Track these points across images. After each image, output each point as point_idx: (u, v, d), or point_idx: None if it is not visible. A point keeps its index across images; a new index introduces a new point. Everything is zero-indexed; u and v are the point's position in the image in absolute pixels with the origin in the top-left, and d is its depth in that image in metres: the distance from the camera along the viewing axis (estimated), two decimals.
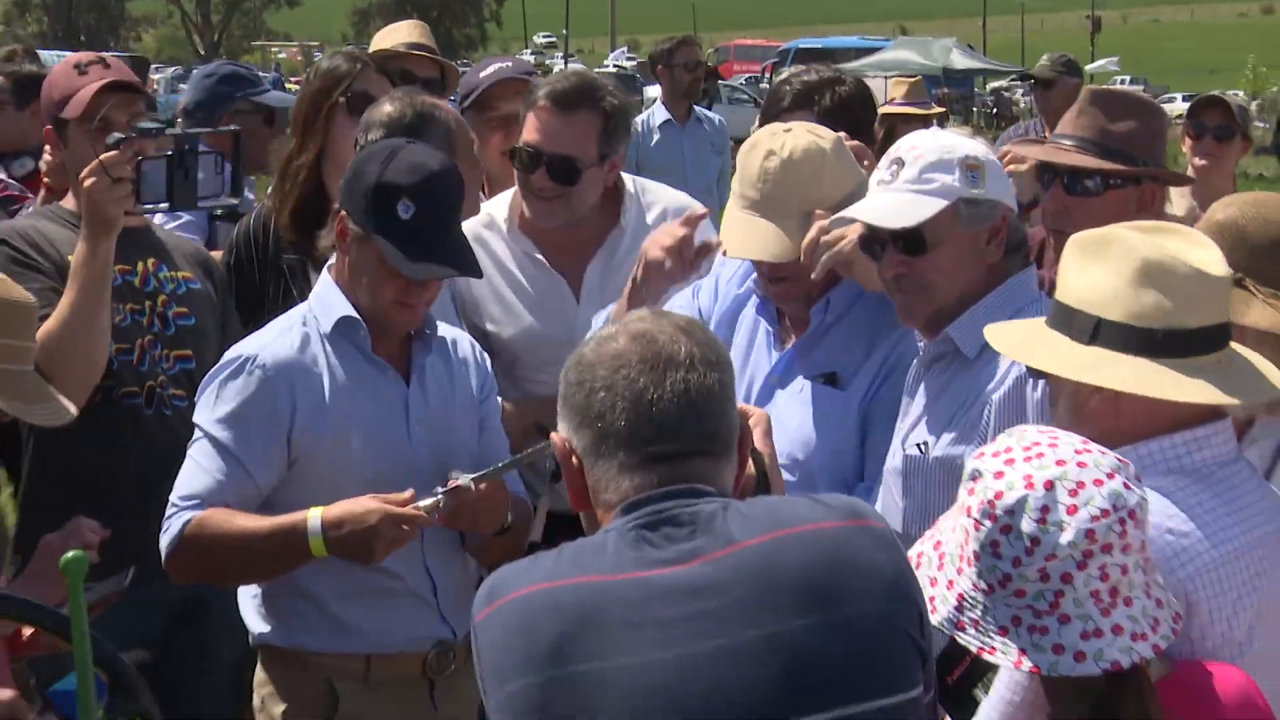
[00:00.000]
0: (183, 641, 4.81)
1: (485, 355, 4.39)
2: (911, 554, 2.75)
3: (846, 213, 3.87)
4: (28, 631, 3.55)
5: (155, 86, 57.70)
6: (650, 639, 2.50)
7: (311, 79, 5.54)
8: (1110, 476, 2.60)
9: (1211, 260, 3.01)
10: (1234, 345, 3.06)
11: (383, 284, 3.94)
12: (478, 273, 4.17)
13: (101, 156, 4.37)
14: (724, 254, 4.33)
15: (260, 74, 6.83)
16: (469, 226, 4.83)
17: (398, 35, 7.48)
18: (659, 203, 5.15)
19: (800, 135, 4.21)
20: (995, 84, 65.81)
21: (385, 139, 4.34)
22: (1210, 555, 2.88)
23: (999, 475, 2.62)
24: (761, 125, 4.82)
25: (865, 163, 4.31)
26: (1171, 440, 2.98)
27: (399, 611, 4.00)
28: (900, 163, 3.77)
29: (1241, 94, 52.99)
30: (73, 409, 3.83)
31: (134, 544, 3.98)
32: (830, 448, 4.06)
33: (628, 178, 5.20)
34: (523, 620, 2.54)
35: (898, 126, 8.71)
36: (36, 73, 7.75)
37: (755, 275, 4.33)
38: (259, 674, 4.22)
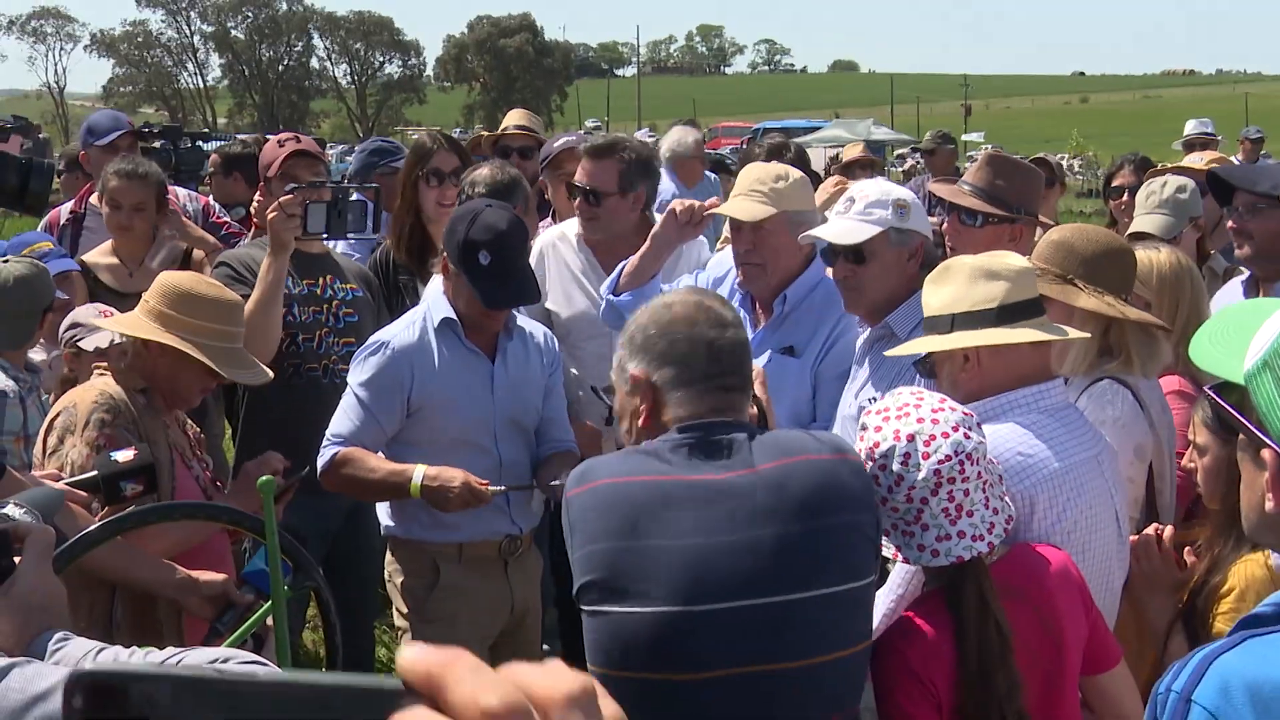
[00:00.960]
0: (347, 534, 4.81)
1: (554, 340, 4.34)
2: None
3: (813, 233, 3.89)
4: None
5: (329, 157, 58.49)
6: (691, 526, 2.52)
7: (409, 155, 5.60)
8: (955, 429, 2.66)
9: (1018, 259, 3.11)
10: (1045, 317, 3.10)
11: (472, 306, 3.96)
12: (536, 299, 4.20)
13: (280, 199, 4.49)
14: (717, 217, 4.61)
15: (400, 146, 6.86)
16: (549, 235, 5.10)
17: (512, 118, 7.68)
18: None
19: (779, 165, 4.41)
20: (900, 151, 65.60)
21: (480, 197, 4.47)
22: (1050, 468, 2.93)
23: (878, 429, 2.70)
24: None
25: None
26: (1023, 392, 3.01)
27: (482, 513, 3.97)
28: (852, 200, 3.82)
29: (1066, 156, 53.08)
30: (269, 373, 3.83)
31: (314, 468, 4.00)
32: (790, 399, 4.00)
33: (657, 216, 5.14)
34: (606, 501, 2.57)
35: (855, 171, 8.85)
36: (238, 152, 7.84)
37: (736, 277, 4.28)
38: (388, 556, 4.24)
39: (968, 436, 2.67)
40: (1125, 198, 6.05)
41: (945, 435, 2.65)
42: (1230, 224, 4.29)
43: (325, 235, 4.63)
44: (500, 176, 4.84)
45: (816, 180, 6.89)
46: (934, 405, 2.71)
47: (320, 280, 4.91)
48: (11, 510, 2.14)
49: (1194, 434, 3.12)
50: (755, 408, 2.97)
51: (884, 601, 2.87)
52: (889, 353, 3.50)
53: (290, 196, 4.47)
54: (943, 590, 2.71)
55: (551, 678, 0.70)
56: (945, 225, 4.52)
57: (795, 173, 4.26)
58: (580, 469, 2.72)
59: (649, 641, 2.49)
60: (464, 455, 3.96)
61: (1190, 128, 10.52)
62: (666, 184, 8.17)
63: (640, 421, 2.73)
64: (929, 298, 3.12)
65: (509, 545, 4.12)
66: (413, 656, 0.69)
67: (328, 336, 4.86)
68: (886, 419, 2.70)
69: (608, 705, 0.72)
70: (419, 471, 3.85)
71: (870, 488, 2.66)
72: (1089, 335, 3.25)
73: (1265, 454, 1.65)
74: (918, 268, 3.77)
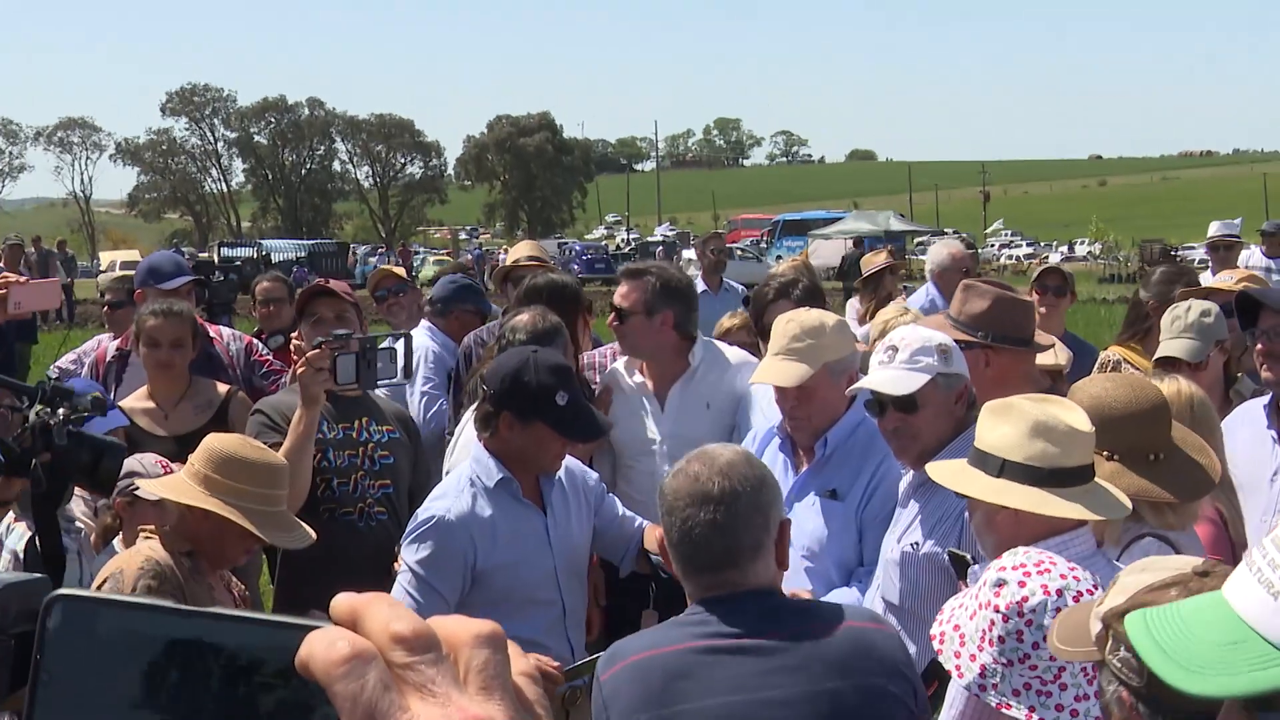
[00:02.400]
0: None
1: (587, 473, 4.31)
2: (933, 632, 2.74)
3: (861, 384, 3.88)
4: None
5: (354, 258, 58.93)
6: (725, 684, 2.54)
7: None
8: (1096, 588, 2.60)
9: (1080, 420, 3.04)
10: (1096, 479, 3.05)
11: (551, 449, 3.93)
12: (609, 428, 4.28)
13: (308, 354, 4.52)
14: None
15: (486, 285, 7.15)
16: (617, 365, 5.27)
17: (521, 250, 7.73)
18: (717, 352, 5.25)
19: (814, 313, 4.32)
20: (920, 240, 65.81)
21: (522, 345, 4.50)
22: None
23: (1022, 584, 2.61)
24: (752, 310, 5.91)
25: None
26: (1047, 543, 2.94)
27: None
28: (894, 349, 3.79)
29: (1087, 240, 53.15)
30: (311, 535, 3.82)
31: None
32: (836, 544, 3.99)
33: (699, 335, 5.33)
34: (638, 674, 2.60)
35: (885, 276, 9.17)
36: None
37: (779, 421, 4.28)
38: None
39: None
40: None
41: (1090, 592, 2.59)
42: (1259, 346, 4.28)
43: (355, 386, 4.63)
44: (542, 324, 4.89)
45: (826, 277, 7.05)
46: (1064, 570, 2.67)
47: (356, 423, 4.93)
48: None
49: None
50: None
51: None
52: (930, 468, 3.39)
53: (318, 351, 4.50)
54: None
55: (463, 620, 0.75)
56: None
57: (829, 319, 4.25)
58: (609, 652, 2.77)
59: None
60: (530, 611, 3.89)
61: (1214, 229, 10.48)
62: (924, 294, 8.47)
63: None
64: (984, 430, 3.09)
65: (571, 695, 4.07)
66: (339, 598, 0.75)
67: (363, 480, 4.88)
68: (1028, 574, 2.64)
69: (520, 660, 0.76)
70: None
71: (905, 656, 2.66)
72: (1130, 510, 3.17)
73: None
74: (965, 409, 3.76)
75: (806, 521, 4.04)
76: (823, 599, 3.26)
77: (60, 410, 2.92)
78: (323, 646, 0.71)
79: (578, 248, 61.05)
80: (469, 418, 4.57)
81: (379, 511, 4.90)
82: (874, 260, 9.62)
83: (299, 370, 4.52)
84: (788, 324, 4.19)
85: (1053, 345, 5.08)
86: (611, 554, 4.29)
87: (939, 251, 8.98)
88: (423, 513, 4.00)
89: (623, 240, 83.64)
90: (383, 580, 4.66)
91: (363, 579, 4.53)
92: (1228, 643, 1.48)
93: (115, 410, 5.33)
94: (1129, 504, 3.06)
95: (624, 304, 5.05)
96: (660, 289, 5.03)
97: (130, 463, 4.42)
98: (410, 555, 3.93)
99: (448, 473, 4.62)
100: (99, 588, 3.51)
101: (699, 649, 2.60)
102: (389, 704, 0.70)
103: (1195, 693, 1.46)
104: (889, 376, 3.77)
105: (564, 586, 4.01)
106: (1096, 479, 3.09)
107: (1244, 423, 4.36)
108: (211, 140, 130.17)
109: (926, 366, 3.73)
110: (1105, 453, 3.31)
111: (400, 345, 4.68)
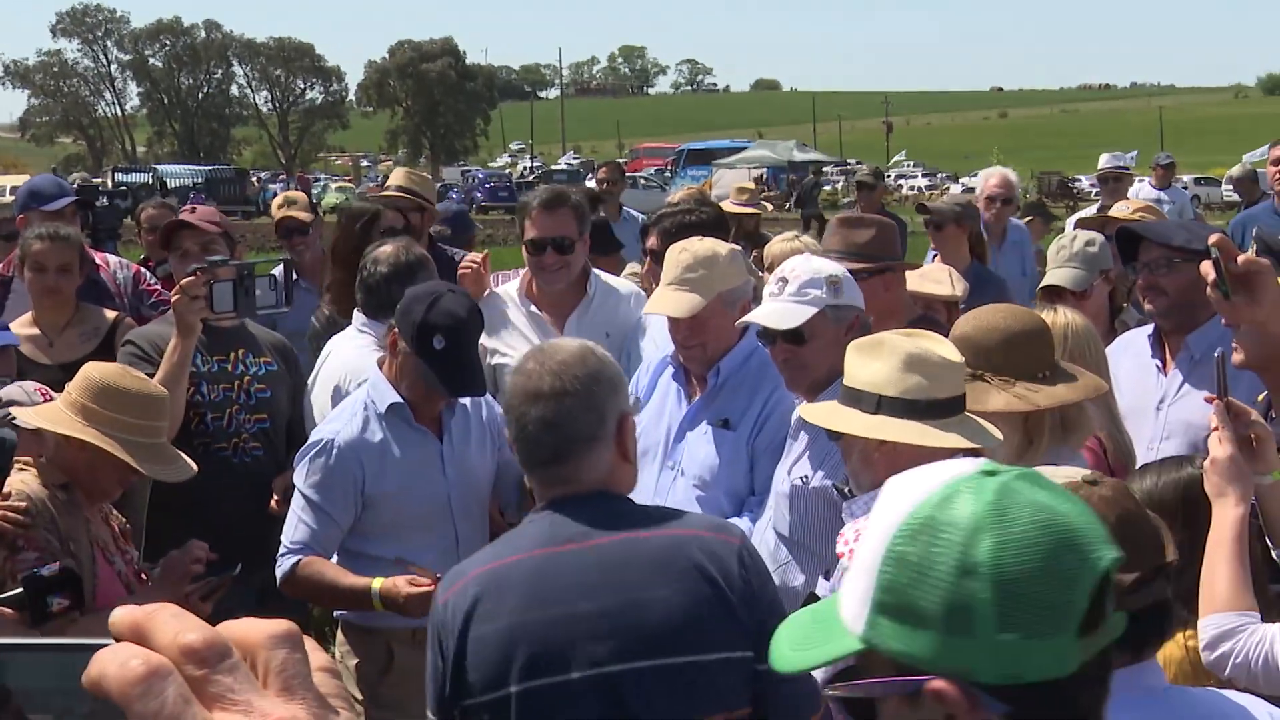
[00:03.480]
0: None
1: (496, 408, 4.18)
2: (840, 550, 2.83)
3: (750, 318, 3.86)
4: None
5: (257, 185, 57.75)
6: (542, 599, 2.56)
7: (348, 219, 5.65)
8: None
9: (950, 351, 3.06)
10: (966, 411, 3.06)
11: (420, 387, 3.89)
12: (484, 391, 4.09)
13: (181, 282, 4.39)
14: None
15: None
16: (502, 290, 5.10)
17: (395, 179, 6.96)
18: (614, 284, 5.20)
19: (707, 242, 4.24)
20: (824, 169, 65.98)
21: (384, 277, 4.49)
22: None
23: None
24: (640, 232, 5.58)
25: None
26: None
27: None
28: (784, 281, 3.75)
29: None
30: (193, 467, 3.74)
31: (229, 548, 3.83)
32: (727, 472, 3.98)
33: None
34: (473, 589, 2.61)
35: (743, 220, 8.77)
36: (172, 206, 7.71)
37: (671, 351, 4.25)
38: (339, 638, 4.17)
39: None
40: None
41: None
42: (1140, 280, 4.31)
43: (233, 314, 4.50)
44: (404, 257, 4.65)
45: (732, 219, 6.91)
46: None
47: (232, 355, 4.82)
48: None
49: None
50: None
51: None
52: (802, 411, 3.43)
53: (193, 278, 4.36)
54: None
55: (255, 622, 0.74)
56: None
57: (721, 249, 4.20)
58: (451, 572, 2.80)
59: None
60: (421, 538, 3.90)
61: (1104, 161, 10.58)
62: None
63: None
64: (855, 368, 3.07)
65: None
66: (120, 612, 0.73)
67: (239, 414, 4.78)
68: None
69: (318, 655, 0.76)
70: (375, 587, 3.71)
71: (728, 570, 2.60)
72: (1001, 439, 3.15)
73: (937, 687, 1.40)
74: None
75: (699, 450, 4.03)
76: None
77: None
78: (115, 666, 0.70)
79: (480, 175, 60.54)
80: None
81: (254, 447, 4.81)
82: (736, 197, 9.48)
83: (174, 299, 4.38)
84: (680, 254, 4.15)
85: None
86: (501, 495, 4.26)
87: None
88: (314, 436, 4.00)
89: (526, 169, 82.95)
90: (256, 516, 4.59)
91: (236, 516, 4.48)
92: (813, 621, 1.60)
93: (5, 330, 5.18)
94: (999, 434, 3.07)
95: (565, 234, 4.88)
96: (585, 209, 5.02)
97: (10, 390, 4.28)
98: (300, 479, 3.94)
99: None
100: None
101: (526, 560, 2.62)
102: (191, 718, 0.69)
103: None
104: (777, 309, 3.75)
105: (458, 514, 4.00)
106: (1010, 395, 3.16)
107: (1127, 352, 4.40)
108: (105, 63, 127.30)
109: (815, 299, 3.70)
110: (989, 376, 3.32)
111: (279, 271, 4.57)
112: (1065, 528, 1.40)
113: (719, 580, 2.58)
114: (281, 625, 0.74)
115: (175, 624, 0.71)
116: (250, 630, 0.73)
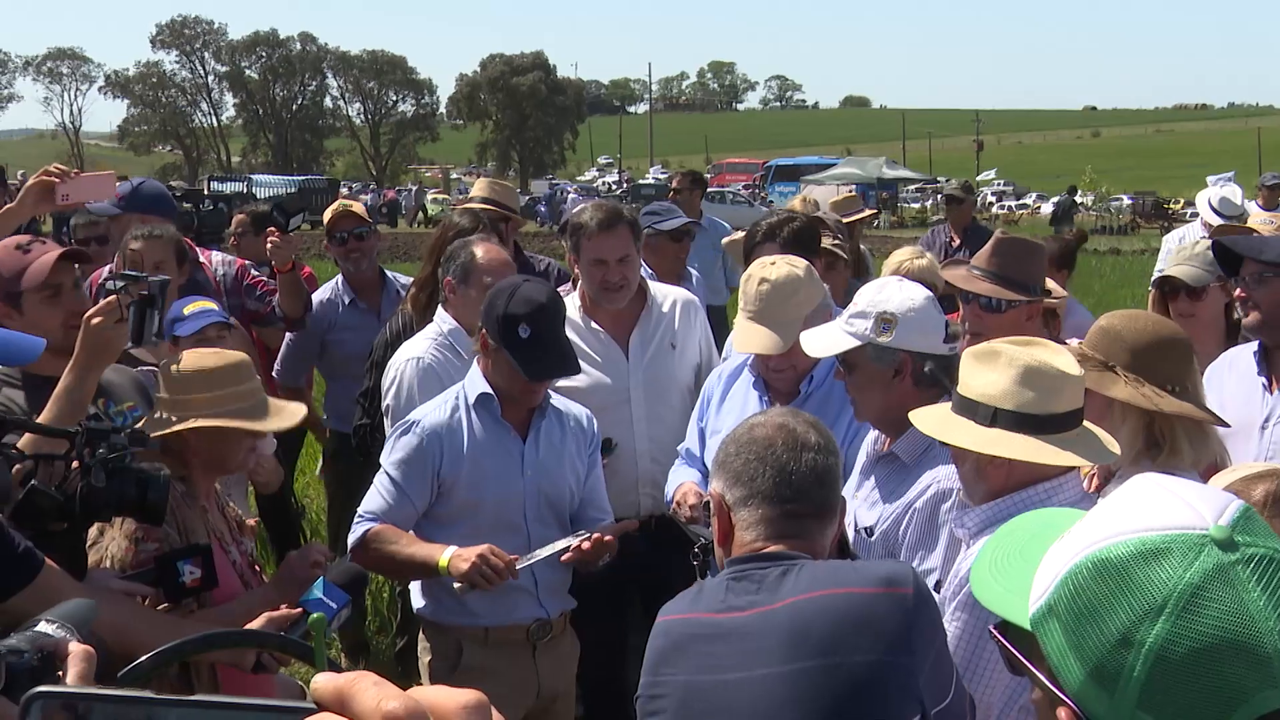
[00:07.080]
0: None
1: (594, 421, 4.27)
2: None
3: (802, 337, 3.85)
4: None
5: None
6: (702, 665, 2.51)
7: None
8: None
9: (1069, 364, 2.97)
10: (1085, 423, 2.99)
11: (514, 381, 3.94)
12: (576, 371, 4.05)
13: (97, 305, 3.37)
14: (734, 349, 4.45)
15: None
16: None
17: (479, 190, 7.02)
18: (668, 293, 5.18)
19: (782, 266, 4.21)
20: (912, 186, 65.50)
21: (505, 280, 4.20)
22: None
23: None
24: (745, 250, 5.14)
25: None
26: (1037, 488, 2.92)
27: (509, 597, 3.97)
28: (855, 304, 3.69)
29: (1081, 192, 53.09)
30: (303, 408, 3.79)
31: None
32: None
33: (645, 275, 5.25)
34: (656, 638, 2.62)
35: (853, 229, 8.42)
36: (265, 211, 7.80)
37: (753, 359, 4.27)
38: (420, 635, 4.29)
39: None
40: None
41: None
42: (1238, 292, 4.29)
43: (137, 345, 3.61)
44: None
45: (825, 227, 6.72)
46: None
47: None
48: (46, 627, 2.13)
49: None
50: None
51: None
52: (913, 418, 3.16)
53: (110, 299, 3.36)
54: None
55: (448, 692, 0.78)
56: (967, 314, 4.45)
57: (798, 269, 4.17)
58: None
59: None
60: (495, 533, 3.94)
61: (1211, 183, 10.43)
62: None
63: (717, 539, 2.71)
64: (970, 376, 2.98)
65: (538, 629, 4.10)
66: (322, 679, 0.77)
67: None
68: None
69: None
70: (448, 551, 3.83)
71: (911, 626, 2.43)
72: (1119, 454, 3.05)
73: (1061, 713, 1.41)
74: (912, 385, 3.57)
75: None
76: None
77: (99, 450, 2.92)
78: None
79: (568, 189, 60.88)
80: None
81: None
82: (830, 209, 9.35)
83: (91, 323, 3.31)
84: (760, 284, 4.13)
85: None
86: (581, 511, 4.24)
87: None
88: (405, 418, 4.12)
89: (614, 182, 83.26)
90: None
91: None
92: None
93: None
94: (1118, 449, 3.00)
95: (628, 251, 4.87)
96: (639, 228, 5.05)
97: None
98: (385, 456, 4.07)
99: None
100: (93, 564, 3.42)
101: (697, 620, 2.58)
102: None
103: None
104: (819, 333, 3.75)
105: (531, 517, 4.04)
106: (1085, 423, 3.02)
107: (1232, 369, 4.30)
108: (202, 74, 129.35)
109: (857, 332, 3.60)
110: (1119, 370, 3.28)
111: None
112: (1251, 645, 1.31)
113: (905, 644, 2.42)
114: (473, 695, 0.78)
115: (376, 691, 0.75)
116: (443, 698, 0.77)
